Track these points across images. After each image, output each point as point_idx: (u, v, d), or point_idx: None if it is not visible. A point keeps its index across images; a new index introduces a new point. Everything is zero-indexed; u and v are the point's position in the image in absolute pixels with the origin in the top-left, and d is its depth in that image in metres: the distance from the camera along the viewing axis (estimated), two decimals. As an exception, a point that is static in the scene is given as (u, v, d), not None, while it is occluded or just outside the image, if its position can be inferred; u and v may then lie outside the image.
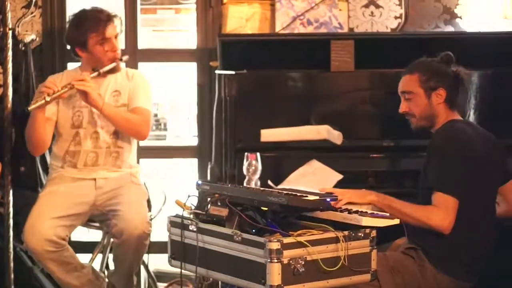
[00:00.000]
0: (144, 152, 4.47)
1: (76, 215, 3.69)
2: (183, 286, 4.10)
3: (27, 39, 4.34)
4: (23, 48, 4.33)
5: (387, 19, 4.39)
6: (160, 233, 3.77)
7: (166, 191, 4.06)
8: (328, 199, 2.65)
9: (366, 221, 2.60)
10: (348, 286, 2.60)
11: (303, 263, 2.48)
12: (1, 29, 3.99)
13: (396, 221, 2.71)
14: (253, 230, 2.56)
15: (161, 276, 4.41)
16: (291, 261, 2.46)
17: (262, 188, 2.98)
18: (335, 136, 3.81)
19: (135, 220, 3.55)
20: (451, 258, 2.92)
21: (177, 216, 2.78)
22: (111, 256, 3.84)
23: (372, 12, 4.40)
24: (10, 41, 3.93)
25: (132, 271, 3.74)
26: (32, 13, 4.40)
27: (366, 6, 4.40)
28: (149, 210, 3.84)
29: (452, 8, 4.40)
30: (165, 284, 4.34)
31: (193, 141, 4.80)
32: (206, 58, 4.49)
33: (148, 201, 3.87)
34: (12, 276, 3.92)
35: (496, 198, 3.09)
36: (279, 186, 3.53)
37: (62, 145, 3.78)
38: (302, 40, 4.17)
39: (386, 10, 4.39)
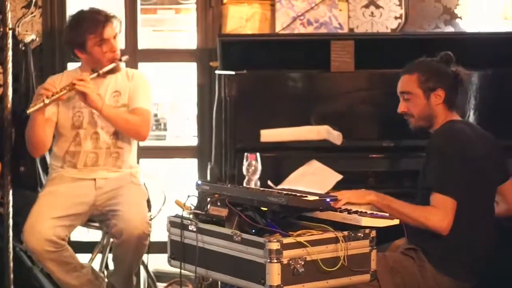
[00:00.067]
0: (144, 152, 4.47)
1: (75, 215, 3.69)
2: (183, 286, 4.10)
3: (27, 39, 4.35)
4: (23, 48, 4.33)
5: (387, 19, 4.39)
6: (159, 233, 3.77)
7: (166, 191, 4.06)
8: (328, 199, 2.65)
9: (365, 222, 2.60)
10: (347, 286, 2.60)
11: (302, 263, 2.48)
12: (1, 29, 3.99)
13: (396, 222, 2.71)
14: (253, 230, 2.56)
15: (160, 276, 4.41)
16: (290, 261, 2.46)
17: (262, 188, 2.98)
18: (335, 137, 3.81)
19: (135, 220, 3.55)
20: (451, 259, 2.92)
21: (176, 216, 2.78)
22: (110, 256, 3.84)
23: (372, 13, 4.40)
24: (10, 41, 3.93)
25: (131, 271, 3.74)
26: (32, 13, 4.40)
27: (366, 6, 4.40)
28: (149, 210, 3.84)
29: (452, 9, 4.40)
30: (165, 284, 4.34)
31: (193, 141, 4.80)
32: (206, 58, 4.49)
33: (148, 201, 3.87)
34: (12, 276, 3.91)
35: (495, 197, 3.08)
36: (279, 186, 3.53)
37: (62, 145, 3.78)
38: (302, 41, 4.17)
39: (386, 11, 4.39)
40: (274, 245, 2.43)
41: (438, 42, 3.97)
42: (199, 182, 2.85)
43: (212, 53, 4.40)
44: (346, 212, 2.68)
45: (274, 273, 2.43)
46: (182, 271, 2.76)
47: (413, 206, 2.89)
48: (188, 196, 2.78)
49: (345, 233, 2.57)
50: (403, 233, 2.92)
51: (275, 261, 2.43)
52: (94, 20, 3.70)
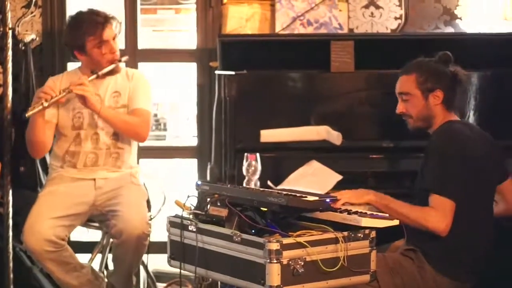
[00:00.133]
0: (144, 152, 4.47)
1: (75, 215, 3.69)
2: (182, 287, 4.10)
3: (27, 38, 4.34)
4: (23, 47, 4.33)
5: (387, 19, 4.40)
6: (159, 233, 3.77)
7: (166, 191, 4.06)
8: (328, 200, 2.65)
9: (365, 222, 2.60)
10: (347, 286, 2.60)
11: (302, 263, 2.48)
12: (1, 29, 3.99)
13: (396, 222, 2.71)
14: (253, 231, 2.56)
15: (160, 276, 4.41)
16: (290, 262, 2.46)
17: (261, 189, 2.98)
18: (335, 137, 3.81)
19: (135, 220, 3.55)
20: (451, 259, 2.91)
21: (176, 216, 2.78)
22: (110, 256, 3.84)
23: (372, 13, 4.40)
24: (10, 40, 3.93)
25: (131, 271, 3.74)
26: (32, 12, 4.40)
27: (366, 6, 4.40)
28: (149, 210, 3.84)
29: (452, 9, 4.40)
30: (164, 284, 4.34)
31: (193, 142, 4.80)
32: (206, 58, 4.49)
33: (148, 202, 3.87)
34: (12, 276, 3.91)
35: (494, 197, 3.08)
36: (279, 187, 3.53)
37: (63, 145, 3.78)
38: (302, 41, 4.17)
39: (386, 11, 4.40)
40: (274, 246, 2.43)
41: (438, 43, 3.97)
42: (199, 182, 2.85)
43: (212, 53, 4.40)
44: (346, 213, 2.68)
45: (273, 273, 2.43)
46: (182, 271, 2.76)
47: (412, 206, 2.89)
48: (188, 196, 2.78)
49: (345, 233, 2.57)
50: (403, 234, 2.92)
51: (275, 261, 2.43)
52: (93, 21, 3.69)
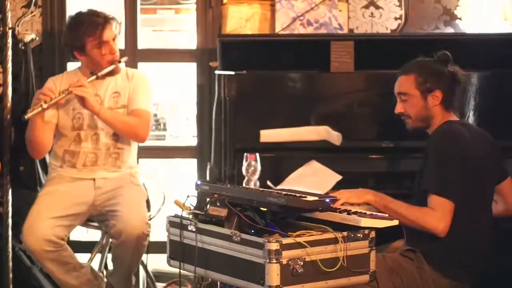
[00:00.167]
0: (144, 152, 4.47)
1: (75, 215, 3.69)
2: (182, 286, 4.10)
3: (27, 38, 4.34)
4: (23, 47, 4.33)
5: (387, 20, 4.40)
6: (159, 233, 3.77)
7: (166, 191, 4.06)
8: (327, 200, 2.65)
9: (365, 222, 2.59)
10: (346, 286, 2.60)
11: (302, 263, 2.48)
12: (1, 28, 3.99)
13: (395, 222, 2.70)
14: (252, 231, 2.56)
15: (160, 276, 4.41)
16: (290, 262, 2.46)
17: (261, 189, 2.98)
18: (335, 137, 3.81)
19: (134, 220, 3.55)
20: (450, 260, 2.91)
21: (176, 216, 2.78)
22: (109, 256, 3.84)
23: (372, 13, 4.40)
24: (10, 40, 3.93)
25: (131, 271, 3.74)
26: (32, 12, 4.40)
27: (366, 7, 4.40)
28: (148, 210, 3.84)
29: (452, 10, 4.40)
30: (164, 284, 4.34)
31: (193, 141, 4.80)
32: (206, 58, 4.49)
33: (147, 202, 3.87)
34: (11, 275, 3.92)
35: (493, 197, 3.08)
36: (278, 187, 3.53)
37: (62, 144, 3.78)
38: (302, 41, 4.17)
39: (386, 11, 4.40)
40: (274, 246, 2.43)
41: (437, 43, 3.94)
42: (199, 182, 2.85)
43: (212, 53, 4.40)
44: (346, 213, 2.68)
45: (273, 273, 2.43)
46: (181, 271, 2.75)
47: (411, 207, 2.89)
48: (188, 196, 2.78)
49: (345, 233, 2.56)
50: (402, 234, 2.92)
51: (275, 261, 2.43)
52: (93, 22, 3.69)
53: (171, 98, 6.49)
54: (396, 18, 4.39)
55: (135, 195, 3.73)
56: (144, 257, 3.76)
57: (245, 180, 3.48)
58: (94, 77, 3.70)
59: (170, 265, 2.84)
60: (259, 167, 3.48)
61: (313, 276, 2.50)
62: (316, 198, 2.65)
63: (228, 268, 2.58)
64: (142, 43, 4.66)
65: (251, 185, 3.44)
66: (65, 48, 4.12)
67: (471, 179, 2.91)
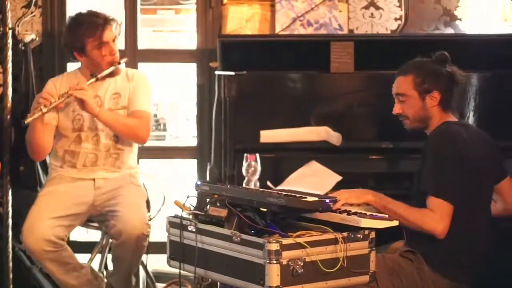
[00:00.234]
0: (144, 153, 4.47)
1: (75, 215, 3.69)
2: (182, 287, 4.10)
3: (27, 38, 4.35)
4: (23, 47, 4.33)
5: (387, 20, 4.40)
6: (159, 233, 3.77)
7: (166, 191, 4.06)
8: (327, 201, 2.65)
9: (365, 223, 2.60)
10: (346, 287, 2.60)
11: (302, 264, 2.48)
12: (1, 29, 4.00)
13: (395, 223, 2.70)
14: (252, 231, 2.56)
15: (159, 276, 4.41)
16: (290, 262, 2.46)
17: (261, 189, 2.98)
18: (334, 138, 3.81)
19: (134, 221, 3.55)
20: (450, 261, 2.91)
21: (176, 216, 2.78)
22: (109, 256, 3.84)
23: (372, 14, 4.40)
24: (10, 40, 3.94)
25: (131, 272, 3.74)
26: (32, 12, 4.40)
27: (366, 7, 4.41)
28: (148, 210, 3.84)
29: (452, 10, 4.40)
30: (164, 285, 4.34)
31: (193, 142, 4.80)
32: (206, 58, 4.50)
33: (147, 202, 3.87)
34: (11, 276, 3.92)
35: (492, 197, 3.08)
36: (278, 187, 3.53)
37: (63, 145, 3.78)
38: (302, 42, 4.17)
39: (386, 12, 4.40)
40: (274, 246, 2.43)
41: (437, 44, 3.94)
42: (199, 182, 2.85)
43: (212, 54, 4.40)
44: (346, 213, 2.68)
45: (273, 274, 2.43)
46: (181, 271, 2.76)
47: (410, 208, 2.88)
48: (188, 197, 2.78)
49: (345, 234, 2.57)
50: (402, 235, 2.92)
51: (275, 262, 2.43)
52: (93, 23, 3.69)
53: (171, 98, 6.49)
54: (396, 19, 4.39)
55: (135, 196, 3.74)
56: (144, 257, 3.76)
57: (245, 181, 3.48)
58: (93, 79, 3.70)
59: (170, 266, 2.84)
60: (259, 168, 3.48)
61: (313, 276, 2.50)
62: (316, 198, 2.66)
63: (228, 269, 2.58)
64: (142, 44, 4.66)
65: (251, 186, 3.44)
66: (65, 49, 4.13)
67: (469, 179, 2.91)
